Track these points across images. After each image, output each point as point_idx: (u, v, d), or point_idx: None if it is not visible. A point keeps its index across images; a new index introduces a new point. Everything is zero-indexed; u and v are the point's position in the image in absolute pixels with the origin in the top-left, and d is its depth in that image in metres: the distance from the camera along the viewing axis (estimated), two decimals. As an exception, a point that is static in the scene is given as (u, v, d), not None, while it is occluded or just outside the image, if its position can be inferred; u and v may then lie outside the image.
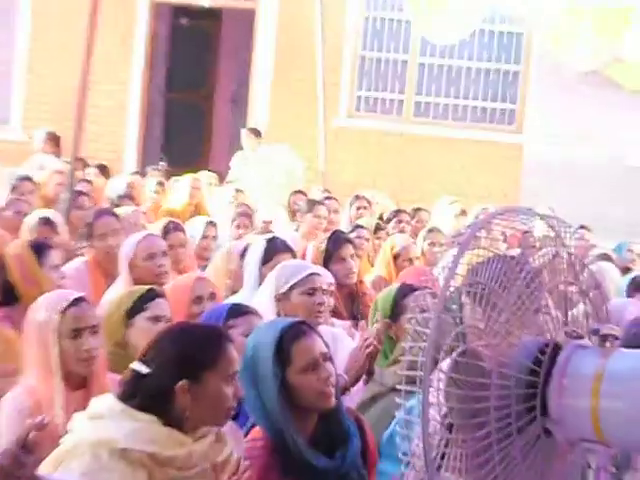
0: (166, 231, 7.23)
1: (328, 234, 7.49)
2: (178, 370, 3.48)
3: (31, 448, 2.92)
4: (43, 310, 4.30)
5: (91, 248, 7.02)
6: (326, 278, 5.97)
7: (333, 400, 4.00)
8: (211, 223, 8.67)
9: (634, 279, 7.59)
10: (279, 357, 3.89)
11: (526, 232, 2.63)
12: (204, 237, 8.33)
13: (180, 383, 3.46)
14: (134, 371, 3.56)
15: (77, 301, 4.33)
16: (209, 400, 3.49)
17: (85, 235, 7.13)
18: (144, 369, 3.53)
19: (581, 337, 2.55)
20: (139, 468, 3.39)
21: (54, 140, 14.30)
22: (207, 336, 3.62)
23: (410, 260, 8.11)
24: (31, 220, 7.43)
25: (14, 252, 5.76)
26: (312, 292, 5.51)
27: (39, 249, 5.77)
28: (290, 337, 3.94)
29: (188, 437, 3.49)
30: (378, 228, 9.47)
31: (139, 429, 3.43)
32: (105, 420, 3.48)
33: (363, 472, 4.02)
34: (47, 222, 7.37)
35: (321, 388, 3.93)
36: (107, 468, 3.36)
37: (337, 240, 7.15)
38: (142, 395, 3.49)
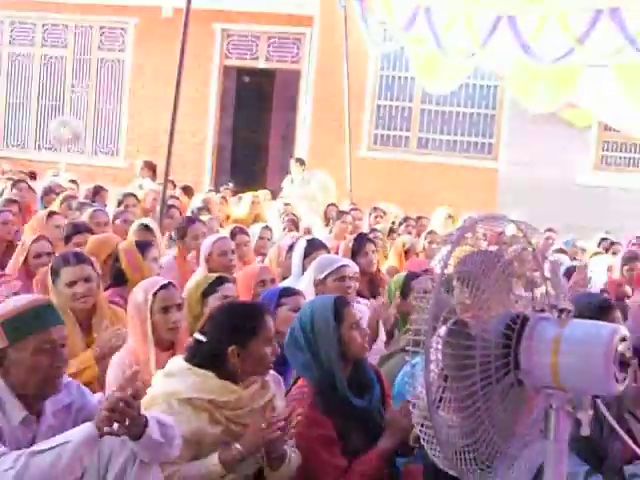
0: (233, 234, 7.23)
1: (354, 235, 7.49)
2: (229, 338, 3.49)
3: (137, 394, 2.94)
4: (141, 292, 4.32)
5: (183, 246, 7.02)
6: (353, 268, 5.97)
7: (366, 352, 4.03)
8: (266, 227, 8.67)
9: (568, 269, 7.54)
10: (335, 316, 3.88)
11: (500, 233, 2.64)
12: (261, 238, 8.33)
13: (230, 348, 3.47)
14: (195, 339, 3.59)
15: (166, 285, 4.36)
16: (253, 359, 3.53)
17: (178, 235, 7.13)
18: (202, 338, 3.55)
19: (543, 311, 2.53)
20: (201, 411, 3.46)
21: (150, 167, 14.30)
22: (250, 312, 3.63)
23: (416, 254, 8.12)
24: (135, 226, 7.45)
25: (124, 247, 5.79)
26: (342, 279, 5.52)
27: (143, 246, 5.78)
28: (341, 303, 3.96)
29: (238, 386, 3.51)
30: (391, 231, 9.47)
31: (199, 382, 3.48)
32: (175, 377, 3.53)
33: (383, 412, 4.00)
34: (146, 227, 7.39)
35: (362, 341, 3.94)
36: (177, 412, 3.42)
37: (361, 240, 7.17)
38: (201, 357, 3.52)
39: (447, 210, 12.38)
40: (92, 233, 6.76)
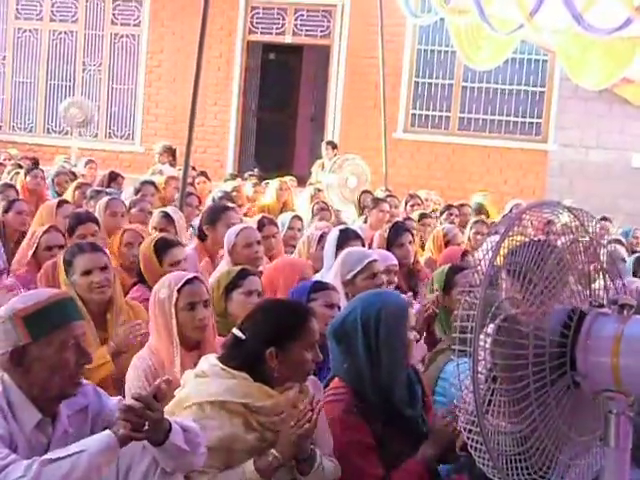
0: (261, 225, 7.20)
1: (389, 225, 7.47)
2: (268, 339, 3.49)
3: (160, 397, 2.94)
4: (165, 288, 4.31)
5: (213, 235, 6.96)
6: (387, 261, 5.96)
7: None
8: (296, 217, 8.67)
9: (638, 258, 7.54)
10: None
11: (549, 221, 2.62)
12: (290, 228, 8.32)
13: (269, 350, 3.46)
14: (234, 336, 3.58)
15: (191, 280, 4.34)
16: (292, 364, 3.50)
17: (208, 223, 7.05)
18: (241, 335, 3.54)
19: (602, 306, 2.51)
20: (235, 416, 3.44)
21: (169, 152, 14.35)
22: (294, 312, 3.62)
23: (458, 244, 8.08)
24: (155, 216, 7.47)
25: (142, 250, 5.76)
26: (373, 277, 5.49)
27: (161, 248, 5.66)
28: (407, 303, 3.96)
29: (275, 390, 3.49)
30: (423, 216, 9.43)
31: (234, 385, 3.46)
32: (208, 378, 3.51)
33: (425, 417, 3.99)
34: (166, 216, 7.40)
35: (414, 345, 3.96)
36: (210, 417, 3.41)
37: (397, 229, 7.16)
38: (238, 357, 3.51)
39: (485, 197, 12.37)
40: (97, 223, 6.78)
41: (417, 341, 5.08)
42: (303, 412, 3.44)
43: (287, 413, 3.49)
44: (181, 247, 5.77)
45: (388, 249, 6.83)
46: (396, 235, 7.04)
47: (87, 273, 4.77)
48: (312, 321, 3.56)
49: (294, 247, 7.60)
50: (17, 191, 8.61)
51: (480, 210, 11.31)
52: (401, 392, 3.82)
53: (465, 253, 6.98)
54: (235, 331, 3.58)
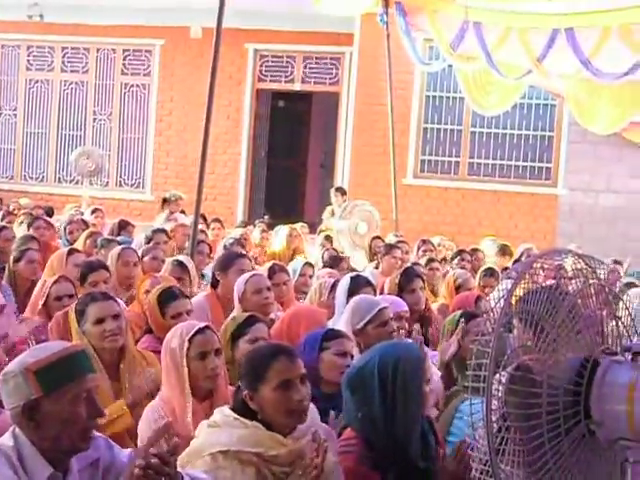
0: (272, 272, 7.18)
1: (400, 271, 7.45)
2: (243, 383, 3.53)
3: (173, 450, 2.92)
4: (176, 338, 4.30)
5: (224, 282, 6.93)
6: (398, 307, 5.93)
7: None
8: (308, 264, 8.67)
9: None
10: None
11: (560, 267, 2.61)
12: (302, 275, 8.31)
13: (244, 392, 3.48)
14: (238, 386, 3.60)
15: (202, 329, 4.33)
16: (268, 405, 3.47)
17: (219, 269, 7.03)
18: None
19: (615, 354, 2.49)
20: (248, 466, 3.41)
21: (166, 202, 14.30)
22: (261, 354, 3.62)
23: (469, 289, 8.04)
24: (168, 264, 7.48)
25: (148, 301, 5.76)
26: (384, 324, 5.46)
27: (164, 300, 5.59)
28: (424, 357, 3.93)
29: (288, 439, 3.47)
30: (430, 261, 9.39)
31: (246, 434, 3.44)
32: (221, 428, 3.50)
33: (438, 467, 3.94)
34: (180, 264, 7.41)
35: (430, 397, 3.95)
36: (223, 467, 3.39)
37: (408, 275, 7.14)
38: (237, 405, 3.52)
39: (494, 241, 12.36)
40: (108, 270, 6.79)
41: None
42: (310, 459, 3.42)
43: (300, 463, 3.47)
44: (185, 299, 5.70)
45: (399, 295, 6.80)
46: (407, 281, 7.02)
47: (99, 322, 4.77)
48: (281, 361, 3.51)
49: (305, 294, 7.58)
50: (39, 243, 8.60)
51: (505, 251, 11.29)
52: (416, 444, 3.78)
53: (479, 298, 6.94)
54: (239, 380, 3.59)
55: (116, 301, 5.01)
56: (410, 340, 5.86)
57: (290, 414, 3.48)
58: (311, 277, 8.34)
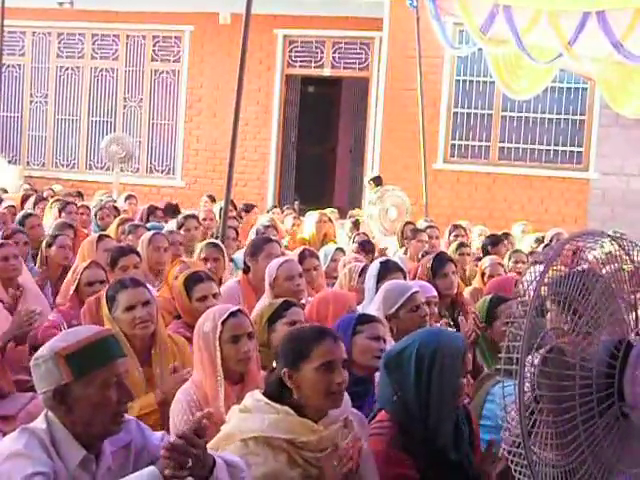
0: (302, 257, 7.18)
1: (432, 255, 7.44)
2: (283, 360, 3.51)
3: (202, 433, 2.92)
4: (208, 321, 4.29)
5: (254, 266, 6.94)
6: (427, 292, 5.92)
7: None
8: (339, 249, 8.66)
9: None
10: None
11: (591, 250, 2.59)
12: (333, 260, 8.30)
13: (283, 370, 3.46)
14: (272, 368, 3.59)
15: (235, 313, 4.32)
16: (308, 385, 3.46)
17: (250, 254, 7.04)
18: (274, 363, 3.54)
19: (649, 336, 2.47)
20: (279, 452, 3.41)
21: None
22: (306, 333, 3.60)
23: (493, 276, 8.01)
24: (203, 246, 7.48)
25: (175, 285, 5.77)
26: (416, 308, 5.45)
27: (191, 283, 5.61)
28: (466, 348, 3.90)
29: (319, 424, 3.46)
30: (460, 246, 9.35)
31: (278, 420, 3.44)
32: (252, 413, 3.49)
33: (471, 457, 3.92)
34: (216, 245, 7.45)
35: (466, 389, 3.92)
36: (254, 453, 3.39)
37: (441, 260, 7.13)
38: (271, 387, 3.51)
39: (522, 225, 12.32)
40: (138, 255, 6.81)
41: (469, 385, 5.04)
42: (346, 450, 3.41)
43: (330, 451, 3.46)
44: (211, 282, 5.70)
45: (432, 279, 6.82)
46: (440, 265, 7.02)
47: (130, 309, 4.77)
48: (326, 342, 3.50)
49: (336, 279, 7.58)
50: (75, 231, 8.65)
51: (541, 240, 11.24)
52: (447, 436, 3.76)
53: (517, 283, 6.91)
54: (274, 362, 3.58)
55: (147, 287, 5.02)
56: (437, 324, 5.87)
57: (328, 396, 3.46)
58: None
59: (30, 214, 9.34)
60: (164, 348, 4.83)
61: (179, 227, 9.17)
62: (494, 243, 9.80)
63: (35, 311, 5.46)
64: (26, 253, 7.61)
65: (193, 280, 5.62)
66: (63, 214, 9.82)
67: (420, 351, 3.78)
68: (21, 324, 5.42)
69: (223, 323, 4.25)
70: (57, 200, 11.46)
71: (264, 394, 3.53)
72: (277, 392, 3.50)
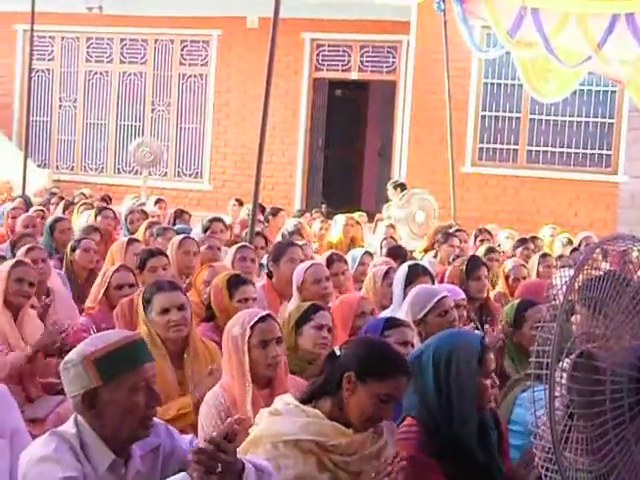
0: (330, 261, 7.18)
1: (466, 258, 7.43)
2: (354, 362, 3.47)
3: (232, 438, 2.92)
4: (238, 325, 4.29)
5: (277, 271, 6.94)
6: (455, 295, 5.90)
7: None
8: (368, 253, 8.65)
9: None
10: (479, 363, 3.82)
11: (624, 253, 2.56)
12: (362, 264, 8.29)
13: (348, 372, 3.44)
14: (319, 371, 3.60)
15: (264, 317, 4.32)
16: (363, 400, 3.44)
17: (272, 258, 7.06)
18: (337, 351, 3.53)
19: (681, 340, 2.45)
20: (309, 455, 3.41)
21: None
22: (390, 356, 3.56)
23: (518, 279, 7.98)
24: (233, 249, 7.51)
25: (215, 283, 5.76)
26: (444, 314, 5.43)
27: (234, 283, 5.66)
28: (485, 348, 3.88)
29: (349, 428, 3.46)
30: (489, 251, 9.31)
31: (308, 423, 3.44)
32: (282, 416, 3.50)
33: (499, 461, 3.90)
34: (244, 246, 7.46)
35: (492, 391, 3.88)
36: (284, 455, 3.39)
37: (475, 262, 7.12)
38: (315, 388, 3.50)
39: (550, 229, 12.27)
40: (167, 257, 6.83)
41: (497, 387, 5.02)
42: (384, 465, 3.39)
43: (361, 454, 3.45)
44: (252, 286, 5.76)
45: (465, 282, 6.82)
46: (474, 268, 7.02)
47: (165, 312, 4.79)
48: (401, 379, 3.48)
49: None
50: (101, 234, 8.69)
51: (570, 242, 11.19)
52: (472, 437, 3.74)
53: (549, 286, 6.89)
54: (335, 348, 3.58)
55: (182, 291, 5.03)
56: (468, 328, 5.85)
57: (369, 422, 3.49)
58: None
59: (61, 218, 9.39)
60: (197, 352, 4.85)
61: (205, 230, 9.18)
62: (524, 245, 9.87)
63: (65, 325, 5.48)
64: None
65: (236, 281, 5.68)
66: (99, 218, 9.85)
67: (436, 354, 3.80)
68: (52, 337, 5.45)
69: (252, 328, 4.25)
70: (83, 204, 11.51)
71: (304, 394, 3.53)
72: (319, 395, 3.49)
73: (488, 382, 3.83)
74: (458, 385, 3.73)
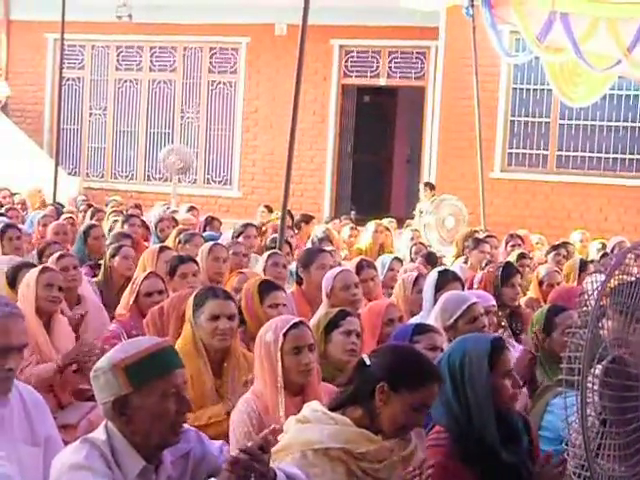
0: (360, 267, 7.14)
1: (501, 264, 7.39)
2: (387, 371, 3.45)
3: (267, 448, 2.92)
4: (270, 332, 4.27)
5: (307, 277, 6.94)
6: (485, 302, 5.86)
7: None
8: (397, 259, 8.63)
9: None
10: (490, 363, 3.80)
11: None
12: (391, 270, 8.27)
13: (381, 383, 3.42)
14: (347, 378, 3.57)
15: (297, 324, 4.29)
16: (396, 410, 3.43)
17: (302, 265, 7.05)
18: (367, 360, 3.50)
19: None
20: (338, 462, 3.40)
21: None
22: (425, 366, 3.54)
23: (552, 285, 7.93)
24: (268, 253, 7.53)
25: (247, 287, 5.75)
26: (474, 320, 5.40)
27: (265, 289, 5.63)
28: (497, 348, 3.86)
29: (378, 435, 3.45)
30: (521, 257, 9.26)
31: (336, 430, 3.43)
32: (311, 424, 3.49)
33: (530, 466, 3.88)
34: (277, 252, 7.47)
35: (513, 391, 3.85)
36: (313, 463, 3.38)
37: (509, 270, 7.08)
38: (345, 396, 3.49)
39: (581, 234, 12.20)
40: (197, 263, 6.84)
41: (520, 387, 4.99)
42: (412, 473, 3.38)
43: (390, 460, 3.45)
44: (282, 292, 5.74)
45: (498, 288, 6.79)
46: (508, 275, 6.97)
47: (214, 318, 4.78)
48: (433, 387, 3.47)
49: (393, 288, 7.55)
50: (133, 240, 8.71)
51: (604, 247, 11.12)
52: (493, 435, 3.73)
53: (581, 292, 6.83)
54: (364, 356, 3.56)
55: (234, 302, 5.02)
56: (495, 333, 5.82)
57: (401, 431, 3.48)
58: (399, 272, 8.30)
59: (94, 225, 9.43)
60: (237, 362, 4.84)
61: (238, 235, 9.16)
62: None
63: (95, 346, 5.48)
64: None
65: (267, 286, 5.66)
66: (126, 226, 9.88)
67: (450, 361, 3.82)
68: (81, 356, 5.44)
69: (285, 334, 4.23)
70: (114, 212, 11.55)
71: (336, 401, 3.53)
72: (350, 403, 3.48)
73: (506, 382, 3.82)
74: (472, 387, 3.74)
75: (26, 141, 18.98)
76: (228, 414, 4.50)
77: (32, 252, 8.56)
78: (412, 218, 14.83)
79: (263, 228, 10.53)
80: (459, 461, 3.70)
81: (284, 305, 5.62)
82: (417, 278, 6.79)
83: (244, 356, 4.94)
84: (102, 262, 7.79)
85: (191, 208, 12.87)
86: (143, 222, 10.50)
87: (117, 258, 7.57)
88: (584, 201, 16.02)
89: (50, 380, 5.42)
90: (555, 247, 10.34)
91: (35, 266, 6.11)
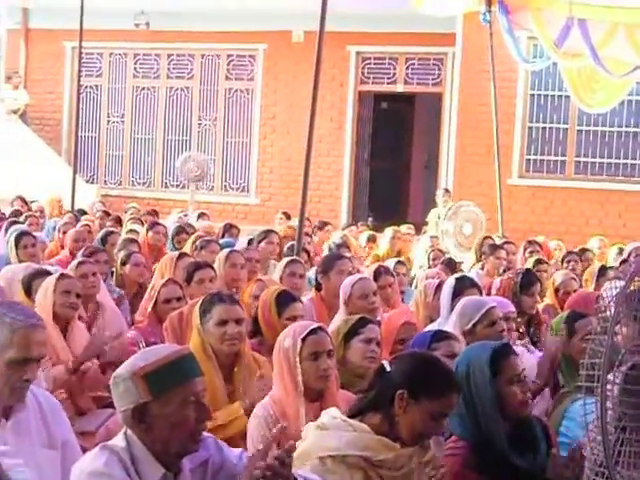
0: (377, 274, 7.13)
1: (521, 271, 7.37)
2: (406, 379, 3.45)
3: (290, 452, 2.93)
4: (289, 337, 4.27)
5: (326, 283, 6.93)
6: (503, 308, 5.84)
7: (529, 408, 3.93)
8: (400, 262, 8.64)
9: None
10: (492, 369, 3.81)
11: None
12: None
13: (400, 390, 3.41)
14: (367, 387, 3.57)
15: (316, 330, 4.28)
16: (416, 417, 3.43)
17: (321, 271, 7.04)
18: (387, 366, 3.50)
19: None
20: (356, 470, 3.40)
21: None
22: (444, 374, 3.54)
23: (568, 292, 7.90)
24: (286, 260, 7.52)
25: (263, 298, 5.73)
26: (492, 324, 5.38)
27: (282, 301, 5.59)
28: (500, 353, 3.87)
29: (396, 442, 3.44)
30: (538, 263, 9.23)
31: (355, 438, 3.42)
32: (329, 430, 3.48)
33: (548, 472, 3.87)
34: (294, 261, 7.46)
35: (523, 397, 3.84)
36: (331, 471, 3.38)
37: (529, 277, 7.06)
38: (364, 403, 3.48)
39: (599, 240, 12.16)
40: (213, 269, 6.84)
41: (541, 390, 4.98)
42: (428, 475, 3.39)
43: (409, 468, 3.44)
44: (300, 304, 5.72)
45: (515, 295, 6.77)
46: (529, 283, 6.94)
47: (222, 324, 4.78)
48: (453, 396, 3.48)
49: (401, 293, 7.53)
50: (139, 245, 8.77)
51: (621, 252, 11.07)
52: (502, 440, 3.73)
53: (599, 298, 6.81)
54: (385, 362, 3.56)
55: (241, 306, 5.03)
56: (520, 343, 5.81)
57: (420, 439, 3.48)
58: (405, 275, 8.32)
59: (112, 231, 9.46)
60: (247, 367, 4.84)
61: (259, 241, 9.14)
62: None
63: (107, 336, 5.51)
64: (106, 272, 7.68)
65: (285, 298, 5.62)
66: (150, 233, 9.87)
67: (458, 371, 3.82)
68: (94, 350, 5.47)
69: (303, 340, 4.22)
70: (132, 218, 11.56)
71: (355, 407, 3.53)
72: (379, 399, 3.48)
73: (514, 388, 3.81)
74: (478, 396, 3.77)
75: (44, 149, 19.04)
76: (245, 411, 4.51)
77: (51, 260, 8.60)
78: (426, 224, 14.80)
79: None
80: (475, 471, 3.71)
81: (302, 317, 5.60)
82: (439, 285, 6.77)
83: (255, 359, 4.95)
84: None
85: (201, 215, 12.84)
86: (165, 230, 10.51)
87: (128, 266, 7.63)
88: (602, 207, 15.98)
89: (64, 382, 5.44)
90: (570, 253, 10.30)
91: (51, 274, 6.13)
